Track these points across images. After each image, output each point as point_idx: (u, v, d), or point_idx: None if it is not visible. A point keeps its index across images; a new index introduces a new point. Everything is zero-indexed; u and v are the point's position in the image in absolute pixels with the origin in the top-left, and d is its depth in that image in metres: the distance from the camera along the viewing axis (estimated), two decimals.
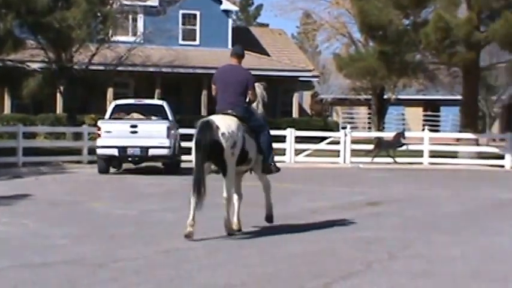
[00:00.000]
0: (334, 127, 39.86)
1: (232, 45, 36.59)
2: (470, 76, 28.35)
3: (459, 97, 31.84)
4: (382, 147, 27.02)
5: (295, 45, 47.06)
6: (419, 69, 29.83)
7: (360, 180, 19.87)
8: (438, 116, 52.51)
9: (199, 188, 8.79)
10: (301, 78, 37.79)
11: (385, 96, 42.91)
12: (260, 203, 10.14)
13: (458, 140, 30.35)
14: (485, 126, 45.09)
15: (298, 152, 26.09)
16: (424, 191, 16.61)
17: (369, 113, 48.68)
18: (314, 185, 17.65)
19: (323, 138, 27.36)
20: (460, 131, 29.32)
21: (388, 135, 30.30)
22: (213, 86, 9.75)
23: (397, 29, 26.60)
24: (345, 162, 25.79)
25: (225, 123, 9.08)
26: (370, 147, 27.00)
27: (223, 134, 8.96)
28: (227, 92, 9.49)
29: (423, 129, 28.99)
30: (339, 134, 27.32)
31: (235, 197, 9.54)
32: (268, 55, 38.88)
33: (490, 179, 21.71)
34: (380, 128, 41.21)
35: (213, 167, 9.19)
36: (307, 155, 26.62)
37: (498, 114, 47.36)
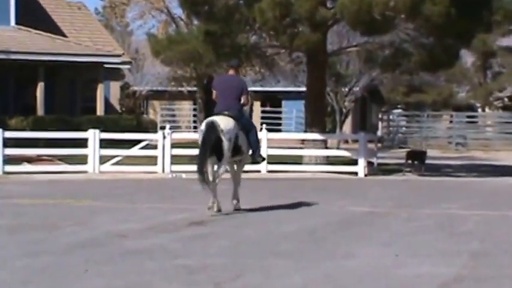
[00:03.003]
0: (151, 127, 39.96)
1: (16, 23, 36.14)
2: (316, 63, 29.23)
3: (304, 89, 32.76)
4: None
5: (99, 23, 46.73)
6: (255, 54, 30.33)
7: (183, 194, 20.04)
8: (279, 112, 53.91)
9: (202, 175, 14.96)
10: (107, 65, 37.47)
11: None
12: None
13: (303, 141, 31.23)
14: (336, 124, 46.56)
15: (104, 160, 25.93)
16: (261, 205, 16.99)
17: (195, 109, 49.21)
18: (124, 202, 17.63)
19: (136, 142, 27.35)
20: (305, 131, 30.09)
21: None
22: (214, 91, 15.45)
23: (226, 4, 26.94)
24: (163, 171, 25.91)
25: (225, 123, 14.64)
26: (197, 151, 27.24)
27: (222, 131, 14.57)
28: (225, 96, 15.07)
29: (261, 129, 29.61)
30: (157, 136, 27.42)
31: (232, 182, 15.64)
32: (65, 35, 38.37)
33: (341, 188, 22.53)
34: None
35: (222, 168, 15.24)
36: (116, 163, 26.52)
37: (350, 109, 49.04)
